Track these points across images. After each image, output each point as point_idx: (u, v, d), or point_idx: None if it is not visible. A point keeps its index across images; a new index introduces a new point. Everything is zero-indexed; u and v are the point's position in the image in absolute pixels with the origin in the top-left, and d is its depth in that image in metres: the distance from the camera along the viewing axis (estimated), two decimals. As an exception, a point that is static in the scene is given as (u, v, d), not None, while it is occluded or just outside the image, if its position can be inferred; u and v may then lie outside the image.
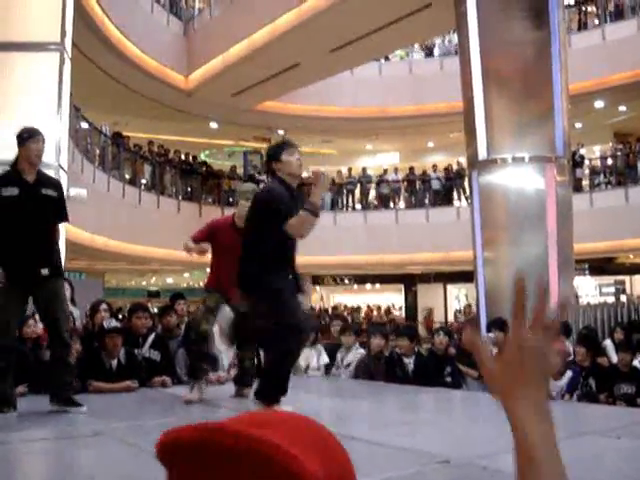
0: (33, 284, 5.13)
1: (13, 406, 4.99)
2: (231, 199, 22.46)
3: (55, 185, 5.43)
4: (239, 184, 6.47)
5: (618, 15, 20.69)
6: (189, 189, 21.93)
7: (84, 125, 17.01)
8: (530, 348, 0.94)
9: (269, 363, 5.30)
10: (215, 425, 0.68)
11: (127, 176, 19.38)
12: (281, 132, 26.22)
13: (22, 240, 5.08)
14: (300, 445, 0.68)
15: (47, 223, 5.25)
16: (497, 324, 7.96)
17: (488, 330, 7.95)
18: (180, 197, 21.08)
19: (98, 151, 18.00)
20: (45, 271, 5.13)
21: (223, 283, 5.90)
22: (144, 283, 33.79)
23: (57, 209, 5.33)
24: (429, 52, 24.44)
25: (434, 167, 24.00)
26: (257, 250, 5.05)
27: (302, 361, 8.01)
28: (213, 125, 25.19)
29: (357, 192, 24.26)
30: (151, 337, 7.19)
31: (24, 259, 5.07)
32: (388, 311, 27.31)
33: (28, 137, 5.25)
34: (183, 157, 22.64)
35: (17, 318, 5.31)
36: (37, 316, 6.22)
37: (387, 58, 23.90)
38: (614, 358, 7.73)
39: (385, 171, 24.90)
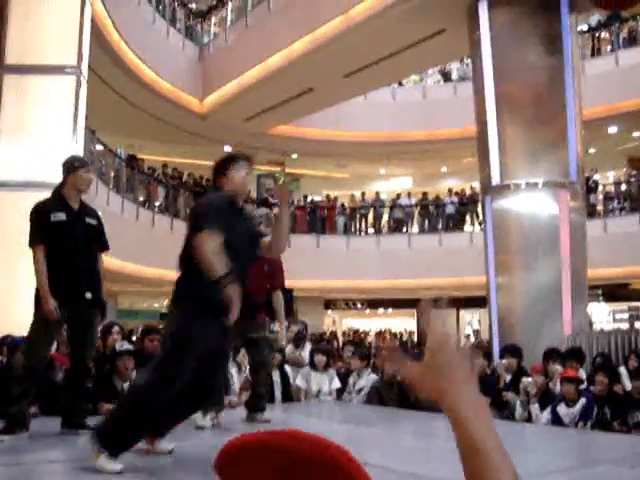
0: (75, 307, 5.18)
1: (25, 427, 5.00)
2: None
3: (95, 214, 5.57)
4: (253, 209, 6.15)
5: (631, 41, 20.73)
6: (203, 212, 21.96)
7: (99, 147, 17.12)
8: (451, 350, 1.00)
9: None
10: (279, 431, 0.71)
11: (141, 198, 19.45)
12: (295, 156, 26.33)
13: (70, 265, 5.15)
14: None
15: (91, 249, 5.36)
16: (510, 350, 7.93)
17: (501, 356, 7.92)
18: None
19: (113, 173, 18.08)
20: (89, 295, 5.24)
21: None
22: (157, 305, 33.80)
23: (98, 237, 5.48)
24: (446, 77, 24.51)
25: (450, 191, 23.99)
26: (187, 269, 4.44)
27: (314, 386, 8.00)
28: (227, 148, 25.28)
29: (370, 216, 24.26)
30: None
31: (71, 281, 5.15)
32: (400, 336, 27.21)
33: (80, 166, 5.38)
34: (197, 180, 22.72)
35: (52, 343, 5.42)
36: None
37: (400, 83, 23.99)
38: (628, 386, 7.67)
39: (398, 195, 24.91)
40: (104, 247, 5.59)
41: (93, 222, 5.42)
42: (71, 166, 5.36)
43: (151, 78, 18.57)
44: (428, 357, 1.00)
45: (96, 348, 7.77)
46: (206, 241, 4.01)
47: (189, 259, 4.23)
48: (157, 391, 3.93)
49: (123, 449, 3.92)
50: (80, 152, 10.93)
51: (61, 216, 5.19)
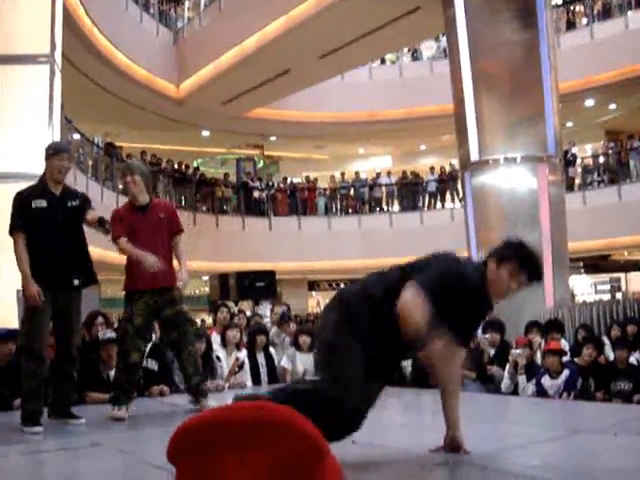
0: (61, 294, 5.14)
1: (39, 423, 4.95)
2: (225, 207, 22.47)
3: (78, 195, 5.46)
4: (129, 161, 6.02)
5: (606, 14, 20.79)
6: (183, 198, 21.90)
7: (76, 136, 17.00)
8: None
9: None
10: (231, 405, 0.73)
11: (120, 186, 19.34)
12: (273, 138, 26.27)
13: (54, 251, 5.10)
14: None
15: (76, 233, 5.29)
16: (492, 325, 7.98)
17: (484, 331, 7.97)
18: (174, 206, 21.04)
19: (91, 162, 17.98)
20: (77, 281, 5.21)
21: (145, 274, 5.46)
22: (140, 293, 33.72)
23: (83, 216, 5.34)
24: (415, 57, 24.56)
25: (431, 169, 24.01)
26: None
27: (300, 366, 8.03)
28: (205, 133, 25.21)
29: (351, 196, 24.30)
30: (148, 346, 7.19)
31: (56, 269, 5.10)
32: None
33: (53, 153, 5.29)
34: (176, 166, 22.62)
35: (48, 327, 5.23)
36: None
37: (383, 61, 24.00)
38: (611, 356, 7.76)
39: (378, 175, 24.93)
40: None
41: (75, 203, 5.31)
42: (46, 153, 5.32)
43: (126, 65, 18.44)
44: None
45: (81, 337, 7.79)
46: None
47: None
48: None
49: None
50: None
51: (42, 203, 5.15)
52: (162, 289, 5.60)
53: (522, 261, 3.41)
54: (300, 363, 8.05)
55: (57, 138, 10.71)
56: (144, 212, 5.70)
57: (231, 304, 12.10)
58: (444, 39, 18.57)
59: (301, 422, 0.70)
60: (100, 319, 7.49)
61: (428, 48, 24.44)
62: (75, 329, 5.27)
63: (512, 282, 3.37)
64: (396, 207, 23.93)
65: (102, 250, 16.52)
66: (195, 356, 5.84)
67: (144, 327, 5.63)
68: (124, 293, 5.74)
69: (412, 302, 3.11)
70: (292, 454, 0.68)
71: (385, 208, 23.70)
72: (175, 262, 5.85)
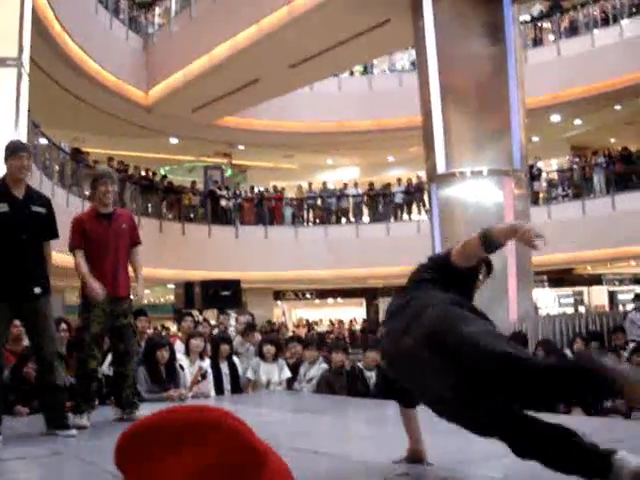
0: (23, 302, 5.00)
1: None
2: (192, 215, 22.39)
3: (44, 202, 5.31)
4: (106, 169, 6.04)
5: (573, 31, 21.06)
6: (149, 205, 21.79)
7: (43, 141, 16.85)
8: None
9: None
10: (169, 408, 0.73)
11: (86, 192, 19.18)
12: (241, 147, 26.23)
13: (13, 257, 4.95)
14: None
15: (38, 240, 5.13)
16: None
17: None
18: (140, 213, 20.92)
19: (57, 167, 17.82)
20: (38, 289, 5.02)
21: (105, 283, 5.48)
22: (104, 300, 33.42)
23: (47, 226, 5.22)
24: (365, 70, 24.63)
25: (398, 181, 24.13)
26: None
27: (263, 376, 8.02)
28: (173, 141, 25.10)
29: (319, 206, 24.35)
30: (110, 355, 7.12)
31: (15, 276, 4.94)
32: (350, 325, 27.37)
33: (10, 154, 5.14)
34: (143, 173, 22.50)
35: (3, 337, 5.13)
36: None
37: (352, 73, 24.10)
38: (573, 368, 7.82)
39: (345, 185, 25.02)
40: (52, 235, 5.31)
41: (41, 210, 5.17)
42: (5, 154, 5.18)
43: (94, 70, 18.31)
44: None
45: (58, 343, 7.71)
46: None
47: None
48: None
49: None
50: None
51: (3, 207, 4.98)
52: (119, 299, 5.60)
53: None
54: (263, 373, 8.05)
55: (24, 142, 10.61)
56: (109, 220, 5.68)
57: (196, 313, 12.07)
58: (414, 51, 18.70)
59: (235, 423, 0.70)
60: (63, 325, 7.43)
61: (399, 60, 24.59)
62: (46, 336, 5.06)
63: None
64: (363, 218, 24.01)
65: (67, 256, 16.43)
66: (134, 370, 5.94)
67: (101, 335, 5.62)
68: (80, 300, 5.67)
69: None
70: (226, 455, 0.68)
71: (352, 219, 23.77)
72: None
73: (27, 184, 5.26)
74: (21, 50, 10.59)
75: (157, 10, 22.41)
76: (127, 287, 5.72)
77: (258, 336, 9.01)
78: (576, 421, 5.94)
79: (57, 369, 5.10)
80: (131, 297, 5.81)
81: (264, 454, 0.74)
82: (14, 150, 5.20)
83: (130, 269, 5.86)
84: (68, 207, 17.08)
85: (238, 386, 8.00)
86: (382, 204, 23.92)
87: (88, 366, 5.51)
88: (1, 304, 4.92)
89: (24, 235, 5.01)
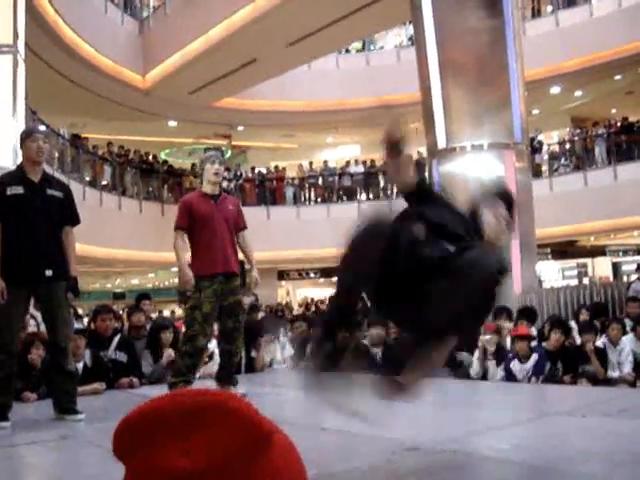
0: (36, 285, 4.99)
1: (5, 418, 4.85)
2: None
3: (62, 186, 5.32)
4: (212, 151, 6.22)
5: (571, 2, 20.92)
6: (150, 189, 21.78)
7: (41, 127, 16.82)
8: None
9: None
10: (172, 393, 0.72)
11: (87, 178, 19.19)
12: (241, 128, 26.17)
13: (27, 239, 4.94)
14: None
15: (53, 223, 5.08)
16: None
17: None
18: (142, 197, 20.93)
19: (57, 154, 17.80)
20: (49, 272, 4.97)
21: (216, 260, 5.68)
22: (109, 285, 33.56)
23: (64, 210, 5.18)
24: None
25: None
26: None
27: (267, 355, 8.05)
28: (172, 123, 25.05)
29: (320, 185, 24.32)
30: (116, 339, 7.15)
31: (28, 259, 4.92)
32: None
33: (25, 137, 5.18)
34: (143, 157, 22.47)
35: (20, 321, 5.16)
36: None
37: (347, 50, 23.98)
38: (578, 340, 7.84)
39: (347, 163, 24.96)
40: (72, 221, 5.25)
41: (58, 194, 5.14)
42: (20, 138, 5.22)
43: (91, 55, 18.25)
44: None
45: (72, 328, 7.73)
46: None
47: None
48: None
49: None
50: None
51: (18, 189, 4.97)
52: (229, 275, 5.75)
53: None
54: (266, 352, 8.08)
55: (21, 129, 10.59)
56: (216, 201, 5.84)
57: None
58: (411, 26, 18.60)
59: (240, 405, 0.69)
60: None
61: (396, 35, 24.47)
62: (60, 320, 5.04)
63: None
64: (365, 196, 23.99)
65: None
66: (241, 349, 6.15)
67: (212, 314, 5.72)
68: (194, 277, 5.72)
69: None
70: (234, 437, 0.68)
71: (354, 197, 23.74)
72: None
73: (45, 170, 5.28)
74: (16, 37, 10.57)
75: (152, -7, 22.32)
76: (237, 265, 5.91)
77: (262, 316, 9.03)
78: (583, 391, 5.97)
79: (69, 354, 5.13)
80: (250, 286, 6.14)
81: (270, 434, 0.74)
82: (29, 132, 5.29)
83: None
84: (69, 193, 17.09)
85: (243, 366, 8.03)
86: (384, 181, 23.88)
87: (197, 343, 5.64)
88: (17, 289, 4.89)
89: (38, 218, 4.99)
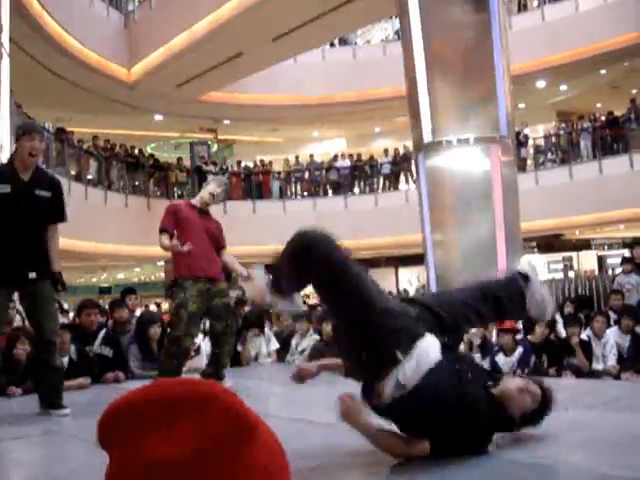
0: (19, 288, 4.97)
1: None
2: (179, 191, 22.33)
3: (52, 184, 5.12)
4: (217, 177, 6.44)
5: (557, -4, 20.99)
6: (136, 183, 21.71)
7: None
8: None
9: None
10: (156, 382, 0.72)
11: (72, 172, 19.10)
12: (227, 122, 26.12)
13: (10, 241, 4.82)
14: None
15: (38, 225, 4.96)
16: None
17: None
18: (128, 191, 20.86)
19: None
20: (33, 275, 4.88)
21: (201, 263, 5.68)
22: (94, 280, 33.46)
23: (51, 210, 5.04)
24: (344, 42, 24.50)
25: (385, 152, 24.12)
26: None
27: (252, 350, 8.05)
28: (158, 117, 24.98)
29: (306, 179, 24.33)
30: (102, 333, 7.14)
31: (11, 260, 4.82)
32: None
33: (22, 134, 4.99)
34: (129, 151, 22.39)
35: (2, 321, 5.08)
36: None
37: (332, 44, 23.96)
38: (563, 333, 7.89)
39: (335, 157, 24.97)
40: (59, 219, 5.13)
41: (45, 194, 4.99)
42: (17, 134, 5.05)
43: (76, 48, 18.17)
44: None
45: (57, 322, 7.69)
46: None
47: None
48: None
49: None
50: (6, 127, 10.68)
51: (5, 188, 4.83)
52: (214, 279, 5.74)
53: None
54: (251, 346, 8.09)
55: (6, 123, 10.54)
56: (201, 215, 5.93)
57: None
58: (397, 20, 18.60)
59: (225, 395, 0.69)
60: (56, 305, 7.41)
61: (382, 29, 24.49)
62: (47, 316, 4.96)
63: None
64: (354, 190, 24.01)
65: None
66: (231, 349, 6.10)
67: (197, 313, 5.68)
68: (174, 279, 5.74)
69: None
70: (218, 428, 0.67)
71: (340, 191, 23.76)
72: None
73: (38, 166, 5.13)
74: (0, 30, 10.49)
75: (137, -14, 22.21)
76: (220, 271, 5.91)
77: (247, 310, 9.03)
78: (568, 383, 5.99)
79: (56, 349, 5.05)
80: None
81: (255, 425, 0.74)
82: (27, 130, 5.06)
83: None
84: (54, 187, 17.01)
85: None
86: (370, 175, 23.92)
87: (183, 344, 5.60)
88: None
89: (23, 219, 4.88)
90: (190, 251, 5.57)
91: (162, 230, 5.75)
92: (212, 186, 5.96)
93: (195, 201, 6.03)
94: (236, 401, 0.73)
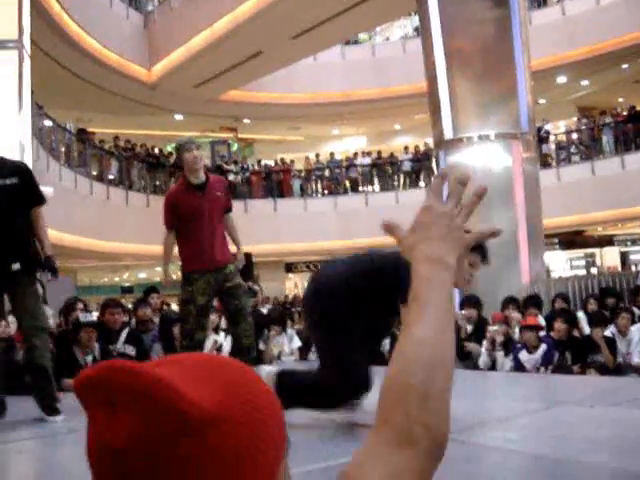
0: (4, 280, 4.75)
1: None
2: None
3: (19, 171, 4.94)
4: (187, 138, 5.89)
5: (577, -10, 20.84)
6: (157, 183, 21.80)
7: (47, 123, 16.84)
8: (440, 213, 1.05)
9: None
10: (117, 363, 0.71)
11: (94, 172, 19.23)
12: (247, 121, 26.16)
13: None
14: (198, 382, 0.72)
15: (11, 213, 4.77)
16: (470, 301, 8.03)
17: (461, 307, 8.02)
18: (149, 191, 20.95)
19: (63, 148, 17.83)
20: (16, 266, 4.71)
21: (206, 254, 5.52)
22: (117, 279, 33.58)
23: (23, 195, 4.86)
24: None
25: (406, 149, 24.07)
26: None
27: (274, 348, 8.06)
28: (178, 117, 25.06)
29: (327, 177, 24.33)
30: (125, 332, 7.17)
31: None
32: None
33: None
34: (150, 151, 22.48)
35: None
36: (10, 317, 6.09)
37: (355, 42, 23.95)
38: (587, 329, 7.83)
39: (355, 155, 24.94)
40: (37, 202, 4.96)
41: (14, 181, 4.82)
42: None
43: (96, 49, 18.26)
44: (419, 216, 1.05)
45: (58, 324, 7.72)
46: None
47: None
48: None
49: None
50: (27, 128, 10.75)
51: None
52: (219, 267, 5.59)
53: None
54: (274, 345, 8.10)
55: (27, 124, 10.61)
56: (202, 191, 5.58)
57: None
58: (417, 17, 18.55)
59: (168, 393, 0.67)
60: (80, 305, 7.46)
61: (401, 26, 24.43)
62: (29, 315, 4.77)
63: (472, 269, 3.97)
64: (372, 187, 23.97)
65: (77, 237, 16.46)
66: (252, 328, 5.77)
67: (206, 306, 5.61)
68: (182, 274, 5.66)
69: None
70: (155, 424, 0.66)
71: (361, 188, 23.73)
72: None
73: (3, 158, 4.96)
74: (21, 32, 10.57)
75: (157, -14, 22.29)
76: (226, 255, 5.72)
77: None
78: (592, 381, 5.96)
79: (38, 347, 4.78)
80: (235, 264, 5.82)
81: (202, 427, 0.71)
82: None
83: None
84: (77, 188, 17.13)
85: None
86: (390, 172, 23.87)
87: (195, 337, 5.53)
88: None
89: None
90: (193, 243, 5.51)
91: (167, 229, 5.66)
92: (187, 155, 5.54)
93: (189, 178, 5.63)
94: (178, 397, 0.71)
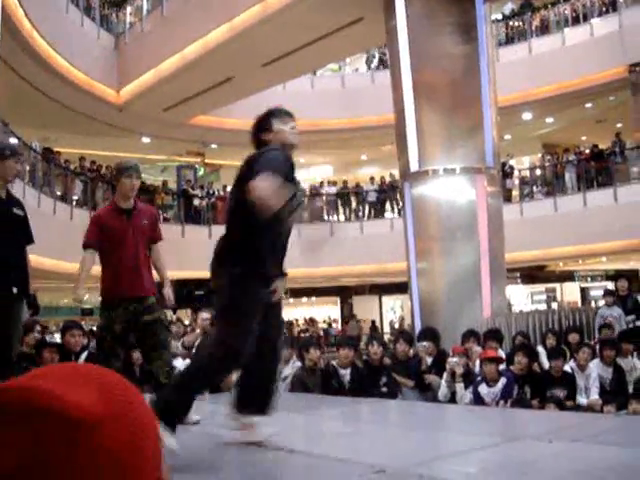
0: (1, 302, 4.90)
1: None
2: (165, 214, 22.28)
3: (21, 205, 5.20)
4: (133, 162, 5.70)
5: (544, 29, 21.24)
6: (122, 205, 21.63)
7: (13, 140, 16.68)
8: None
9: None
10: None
11: (58, 192, 19.05)
12: (214, 146, 26.14)
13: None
14: (73, 386, 0.72)
15: (18, 242, 5.02)
16: (426, 334, 8.08)
17: (419, 340, 8.06)
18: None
19: (28, 167, 17.66)
20: (15, 289, 4.92)
21: (126, 280, 5.31)
22: (77, 301, 33.18)
23: (25, 229, 5.12)
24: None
25: (371, 179, 24.20)
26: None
27: (233, 376, 8.00)
28: (145, 140, 24.97)
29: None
30: (84, 355, 7.09)
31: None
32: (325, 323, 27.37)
33: (10, 155, 5.01)
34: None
35: None
36: None
37: (314, 73, 24.09)
38: (546, 364, 7.90)
39: (321, 184, 25.01)
40: (30, 240, 5.24)
41: (20, 213, 5.08)
42: (1, 154, 5.02)
43: (65, 68, 18.18)
44: None
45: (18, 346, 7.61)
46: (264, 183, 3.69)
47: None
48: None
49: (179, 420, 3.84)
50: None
51: None
52: (141, 297, 5.39)
53: None
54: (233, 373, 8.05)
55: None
56: (129, 216, 5.46)
57: (169, 312, 11.98)
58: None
59: (46, 402, 0.67)
60: (38, 327, 7.39)
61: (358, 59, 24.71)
62: (12, 336, 4.95)
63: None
64: (337, 217, 24.03)
65: (39, 257, 16.27)
66: (169, 364, 5.55)
67: (124, 334, 5.37)
68: (101, 300, 5.48)
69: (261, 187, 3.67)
70: (41, 438, 0.66)
71: (325, 217, 23.77)
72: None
73: (7, 187, 5.15)
74: (-10, 48, 10.49)
75: (129, 9, 22.28)
76: (149, 286, 5.50)
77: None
78: (551, 415, 5.99)
79: (13, 371, 4.82)
80: (166, 303, 5.67)
81: (89, 428, 0.71)
82: (13, 152, 5.10)
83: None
84: (39, 207, 16.95)
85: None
86: (356, 202, 23.97)
87: (111, 366, 5.20)
88: None
89: (6, 236, 4.90)
90: (114, 270, 5.34)
91: (85, 245, 5.45)
92: (125, 180, 5.44)
93: (119, 202, 5.52)
94: (58, 406, 0.71)
